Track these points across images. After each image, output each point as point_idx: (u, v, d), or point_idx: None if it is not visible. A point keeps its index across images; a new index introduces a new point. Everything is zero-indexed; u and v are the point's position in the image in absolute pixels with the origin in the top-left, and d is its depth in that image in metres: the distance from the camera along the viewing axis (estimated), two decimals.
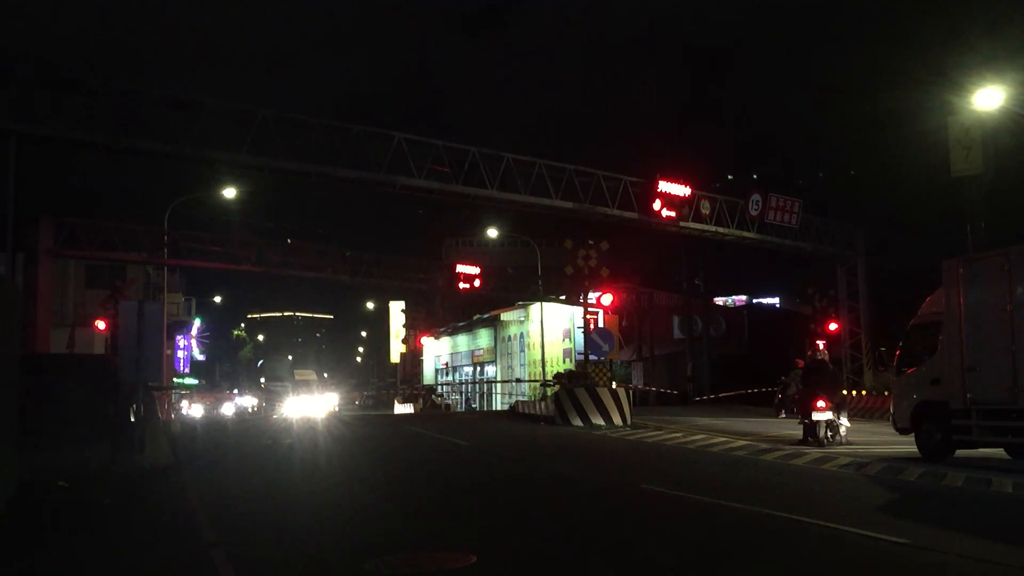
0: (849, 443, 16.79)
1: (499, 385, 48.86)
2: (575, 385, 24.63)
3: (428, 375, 65.32)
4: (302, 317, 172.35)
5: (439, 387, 57.16)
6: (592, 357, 26.32)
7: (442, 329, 61.93)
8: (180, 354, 54.93)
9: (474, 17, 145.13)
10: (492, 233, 51.61)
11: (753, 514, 9.18)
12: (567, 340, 42.93)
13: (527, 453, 16.95)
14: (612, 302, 28.41)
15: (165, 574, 7.21)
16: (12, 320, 9.82)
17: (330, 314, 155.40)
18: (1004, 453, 13.75)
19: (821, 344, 27.24)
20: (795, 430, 18.06)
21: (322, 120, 24.66)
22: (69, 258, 33.46)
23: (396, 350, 68.61)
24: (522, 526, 8.96)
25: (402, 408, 47.16)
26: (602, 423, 22.79)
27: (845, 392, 21.90)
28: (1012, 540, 8.11)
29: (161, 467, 13.76)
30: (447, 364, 62.50)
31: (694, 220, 29.55)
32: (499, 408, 42.71)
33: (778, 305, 60.53)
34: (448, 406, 48.31)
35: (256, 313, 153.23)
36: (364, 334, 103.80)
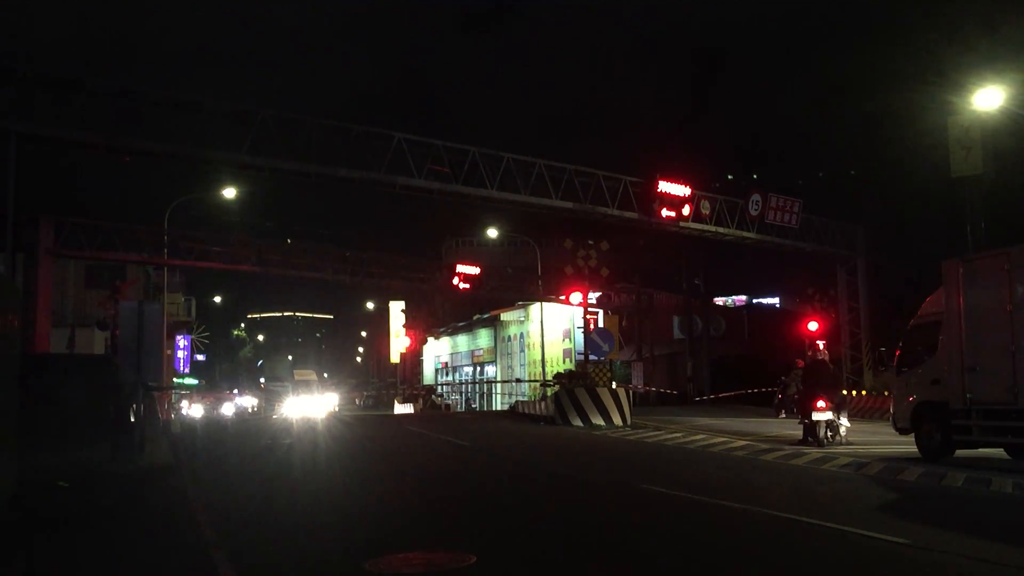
0: (849, 443, 16.80)
1: (499, 385, 48.87)
2: (575, 385, 24.63)
3: (428, 375, 65.31)
4: (302, 317, 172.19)
5: (439, 387, 57.15)
6: (592, 357, 26.33)
7: (442, 329, 61.93)
8: (180, 354, 54.92)
9: (474, 17, 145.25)
10: (492, 233, 51.58)
11: (753, 514, 9.18)
12: (567, 340, 42.93)
13: (527, 453, 16.96)
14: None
15: (165, 574, 7.21)
16: (12, 320, 9.82)
17: (330, 314, 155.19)
18: (1004, 453, 13.74)
19: (821, 344, 27.25)
20: (795, 430, 18.07)
21: (322, 120, 24.72)
22: (69, 258, 33.41)
23: (396, 350, 68.57)
24: (522, 526, 8.96)
25: (402, 408, 47.15)
26: (602, 423, 22.80)
27: (845, 392, 21.90)
28: (1012, 540, 8.10)
29: (161, 467, 13.77)
30: (447, 364, 62.50)
31: (694, 220, 29.56)
32: (499, 408, 42.71)
33: (778, 305, 60.55)
34: (448, 406, 48.29)
35: (256, 313, 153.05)
36: (364, 334, 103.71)
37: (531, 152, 27.16)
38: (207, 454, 17.86)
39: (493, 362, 52.65)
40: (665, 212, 28.34)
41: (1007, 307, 12.76)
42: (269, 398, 61.11)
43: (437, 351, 64.67)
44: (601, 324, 32.38)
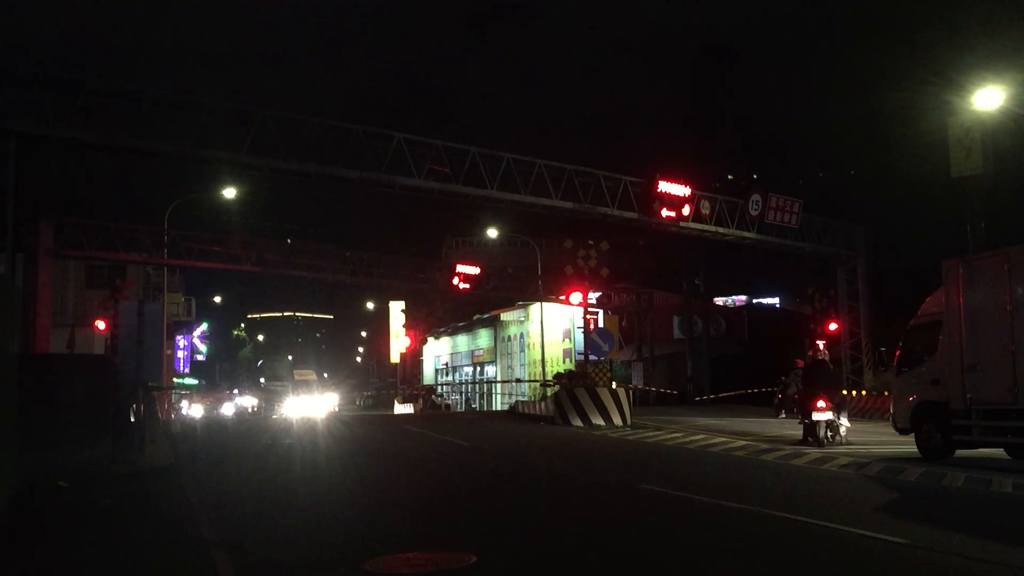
0: (849, 443, 16.80)
1: (499, 385, 48.83)
2: (575, 385, 24.64)
3: (428, 375, 65.28)
4: (302, 317, 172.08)
5: (439, 387, 57.14)
6: (592, 357, 26.32)
7: (442, 329, 61.90)
8: (180, 354, 54.95)
9: (475, 18, 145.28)
10: (492, 233, 51.52)
11: (753, 514, 9.18)
12: (567, 340, 42.90)
13: (527, 453, 16.96)
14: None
15: (165, 574, 7.21)
16: (12, 320, 9.82)
17: (330, 314, 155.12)
18: (1004, 453, 13.74)
19: (821, 344, 27.24)
20: (795, 430, 18.07)
21: (322, 120, 24.67)
22: (69, 258, 33.42)
23: (396, 350, 68.53)
24: (522, 526, 8.96)
25: (402, 408, 47.15)
26: (602, 423, 22.80)
27: (845, 392, 21.90)
28: (1012, 540, 8.11)
29: (161, 467, 13.76)
30: (447, 364, 62.45)
31: (694, 220, 29.55)
32: (499, 408, 42.68)
33: (778, 305, 60.59)
34: (448, 406, 48.27)
35: (256, 313, 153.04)
36: (364, 334, 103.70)
37: (531, 152, 27.19)
38: (207, 454, 17.84)
39: (493, 362, 52.61)
40: (665, 212, 28.34)
41: (1007, 307, 12.76)
42: (269, 398, 61.01)
43: (437, 351, 64.65)
44: (601, 324, 32.32)
